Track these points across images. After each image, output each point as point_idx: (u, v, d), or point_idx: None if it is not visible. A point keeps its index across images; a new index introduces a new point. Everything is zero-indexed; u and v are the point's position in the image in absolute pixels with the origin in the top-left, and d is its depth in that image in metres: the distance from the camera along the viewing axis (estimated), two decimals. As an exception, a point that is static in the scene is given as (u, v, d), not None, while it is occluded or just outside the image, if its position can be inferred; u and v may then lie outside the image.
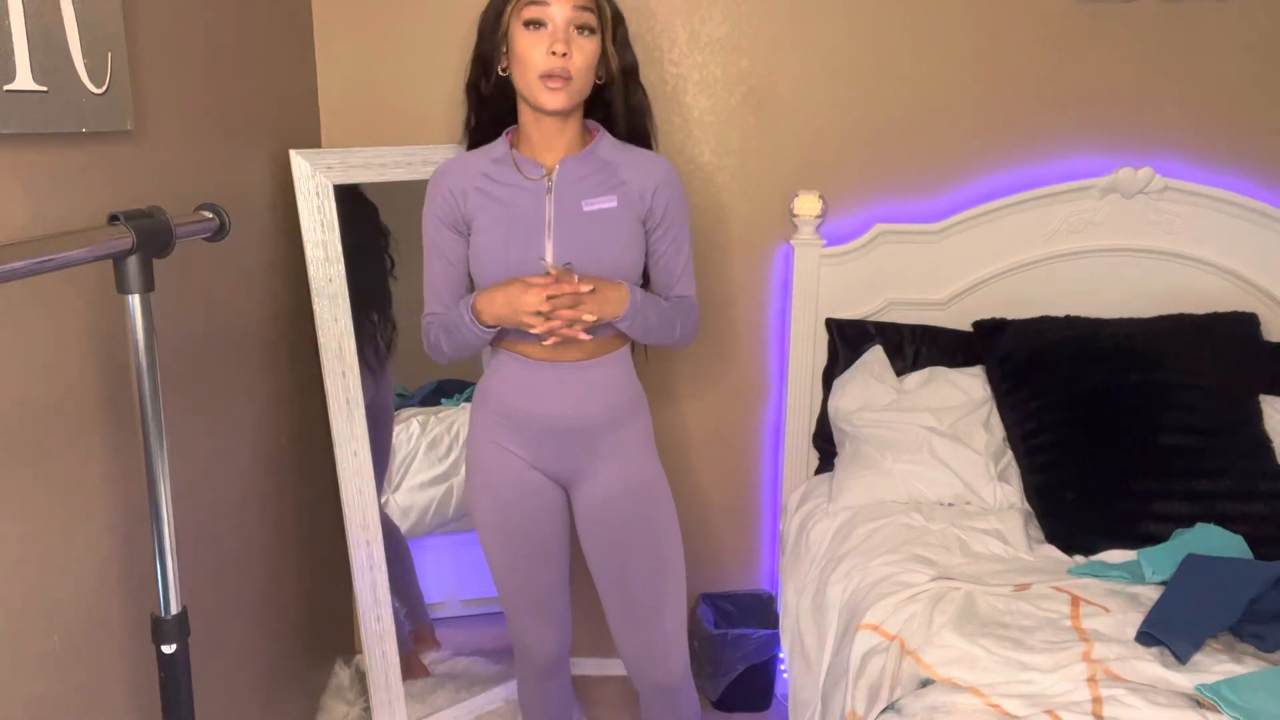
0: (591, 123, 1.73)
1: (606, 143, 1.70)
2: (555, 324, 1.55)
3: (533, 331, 1.57)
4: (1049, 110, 2.27)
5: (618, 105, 1.73)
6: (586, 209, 1.64)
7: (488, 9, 1.67)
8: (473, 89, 1.75)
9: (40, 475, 1.18)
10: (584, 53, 1.59)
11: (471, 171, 1.69)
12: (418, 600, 2.42)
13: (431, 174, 1.74)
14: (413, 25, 2.24)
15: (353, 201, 2.11)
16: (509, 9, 1.60)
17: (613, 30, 1.65)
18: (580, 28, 1.58)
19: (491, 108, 1.75)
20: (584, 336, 1.58)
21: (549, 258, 1.62)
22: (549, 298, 1.53)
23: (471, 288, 1.75)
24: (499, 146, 1.71)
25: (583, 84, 1.61)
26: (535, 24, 1.58)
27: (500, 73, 1.67)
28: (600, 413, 1.70)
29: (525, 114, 1.67)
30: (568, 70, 1.57)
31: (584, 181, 1.66)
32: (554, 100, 1.58)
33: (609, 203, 1.65)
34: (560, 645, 1.87)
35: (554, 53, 1.55)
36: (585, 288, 1.55)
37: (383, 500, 2.20)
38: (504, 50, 1.64)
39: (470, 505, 1.80)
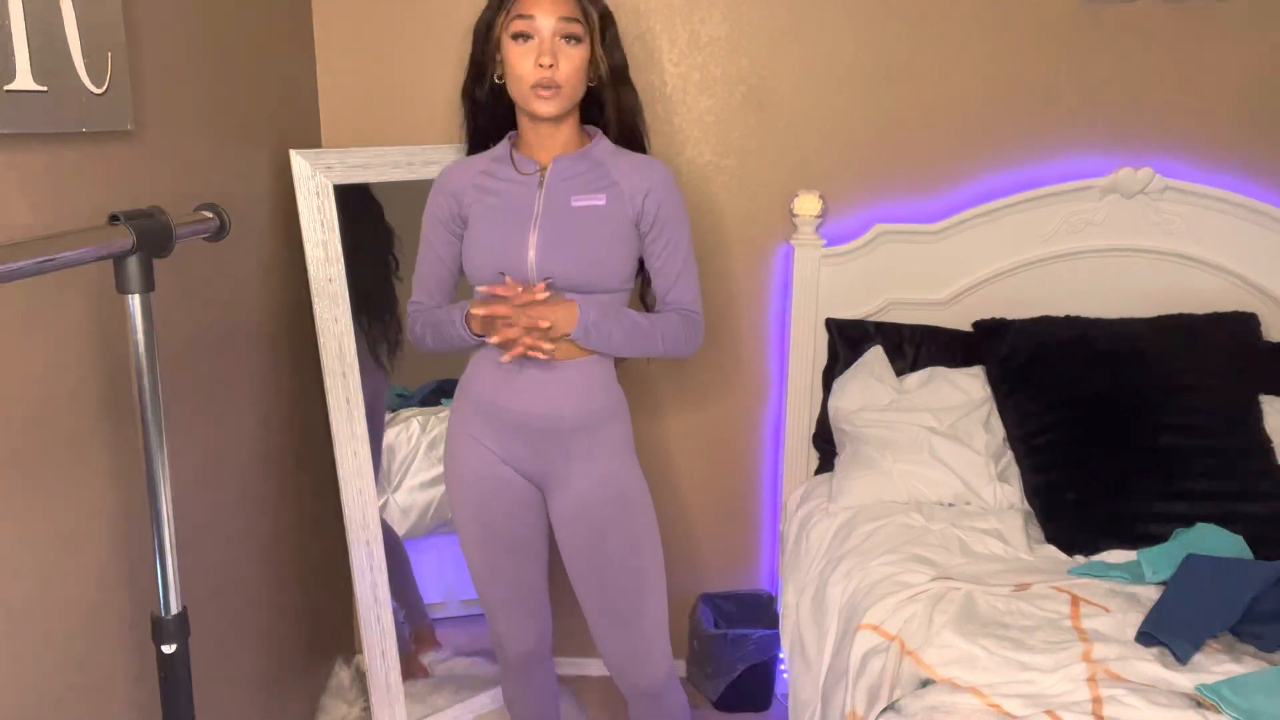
0: (590, 127, 1.76)
1: (603, 145, 1.73)
2: (510, 333, 1.59)
3: (490, 341, 1.62)
4: (1049, 110, 2.27)
5: (609, 106, 1.75)
6: (575, 204, 1.67)
7: (480, 20, 1.71)
8: (468, 96, 1.79)
9: (41, 475, 1.18)
10: (571, 61, 1.62)
11: (472, 171, 1.74)
12: (416, 602, 2.41)
13: (438, 172, 1.78)
14: (413, 25, 2.24)
15: (359, 200, 2.11)
16: (499, 22, 1.65)
17: (601, 33, 1.68)
18: (566, 37, 1.61)
19: (487, 114, 1.78)
20: (542, 354, 1.60)
21: (531, 253, 1.65)
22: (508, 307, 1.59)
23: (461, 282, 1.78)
24: (500, 147, 1.75)
25: (573, 90, 1.64)
26: (523, 36, 1.61)
27: (496, 80, 1.71)
28: (574, 413, 1.70)
29: (522, 118, 1.71)
30: (555, 80, 1.60)
31: (576, 179, 1.69)
32: (545, 108, 1.62)
33: (597, 200, 1.68)
34: (538, 640, 1.87)
35: (541, 65, 1.59)
36: (540, 296, 1.59)
37: (380, 501, 2.20)
38: (497, 59, 1.68)
39: (447, 498, 1.81)
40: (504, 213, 1.68)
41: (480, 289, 1.62)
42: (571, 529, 1.75)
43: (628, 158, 1.73)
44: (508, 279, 1.62)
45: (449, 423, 1.80)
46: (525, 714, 1.98)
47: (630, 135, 1.79)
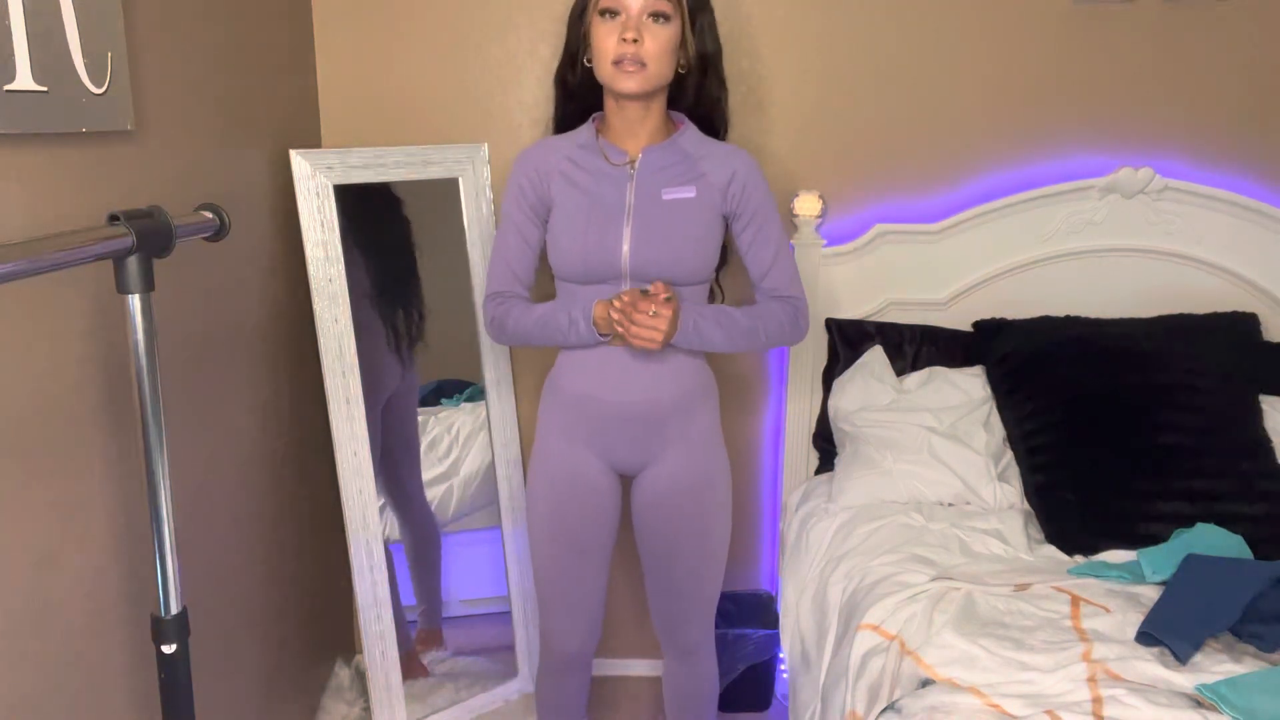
0: (676, 115, 1.77)
1: (690, 134, 1.74)
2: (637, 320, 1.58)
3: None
4: (1049, 110, 2.27)
5: (688, 92, 1.76)
6: (666, 198, 1.68)
7: (574, 5, 1.73)
8: (560, 82, 1.81)
9: (41, 475, 1.18)
10: (657, 39, 1.62)
11: (556, 155, 1.73)
12: (437, 601, 2.41)
13: (516, 156, 1.78)
14: (413, 25, 2.24)
15: (377, 196, 2.13)
16: (591, 3, 1.66)
17: (692, 17, 1.68)
18: (654, 15, 1.62)
19: (576, 101, 1.80)
20: (653, 345, 1.60)
21: (625, 246, 1.66)
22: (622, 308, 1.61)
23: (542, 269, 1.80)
24: (584, 132, 1.75)
25: (658, 70, 1.64)
26: (610, 13, 1.63)
27: (585, 64, 1.72)
28: (670, 398, 1.72)
29: (609, 102, 1.72)
30: (639, 56, 1.61)
31: (666, 171, 1.70)
32: (628, 82, 1.62)
33: (688, 193, 1.69)
34: (585, 642, 1.88)
35: (625, 39, 1.60)
36: (661, 299, 1.58)
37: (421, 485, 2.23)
38: (588, 43, 1.69)
39: (527, 490, 1.84)
40: (594, 205, 1.68)
41: (617, 301, 1.61)
42: (656, 510, 1.78)
43: (714, 147, 1.75)
44: (652, 287, 1.62)
45: (539, 421, 1.82)
46: (555, 714, 1.98)
47: (705, 124, 1.80)
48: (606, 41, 1.62)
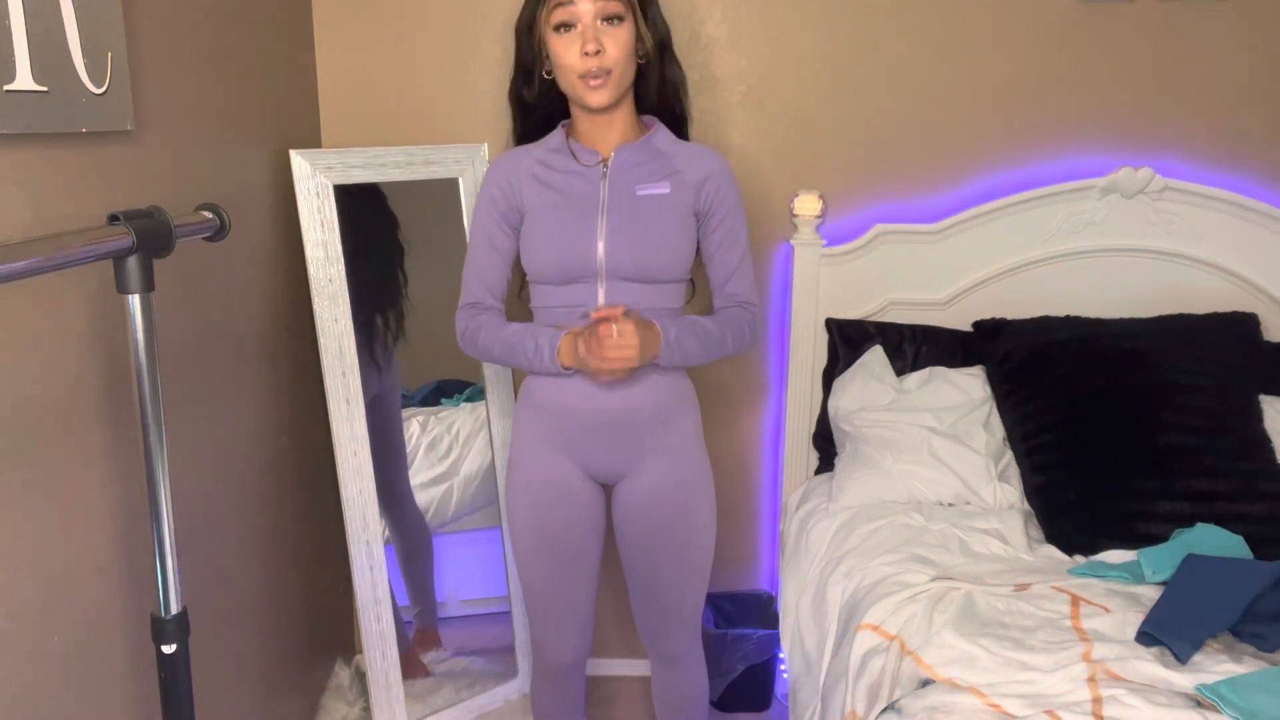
0: (648, 117, 1.76)
1: (662, 135, 1.73)
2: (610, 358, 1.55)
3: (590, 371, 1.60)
4: (1049, 110, 2.27)
5: (651, 81, 1.74)
6: (640, 193, 1.66)
7: (520, 17, 1.69)
8: (515, 98, 1.78)
9: (40, 475, 1.18)
10: (617, 42, 1.60)
11: (527, 161, 1.72)
12: (431, 601, 2.41)
13: (489, 164, 1.76)
14: (413, 25, 2.24)
15: (363, 194, 2.12)
16: (540, 16, 1.63)
17: (642, 8, 1.66)
18: (608, 19, 1.59)
19: (537, 114, 1.77)
20: (617, 376, 1.59)
21: (600, 243, 1.64)
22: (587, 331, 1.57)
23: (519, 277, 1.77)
24: (555, 137, 1.73)
25: (623, 73, 1.63)
26: (565, 26, 1.60)
27: (545, 76, 1.70)
28: (648, 406, 1.70)
29: (575, 108, 1.70)
30: (604, 67, 1.59)
31: (639, 169, 1.68)
32: (597, 97, 1.61)
33: (662, 188, 1.67)
34: (578, 652, 1.87)
35: (587, 52, 1.57)
36: (617, 312, 1.55)
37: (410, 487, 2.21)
38: (544, 56, 1.67)
39: (507, 503, 1.81)
40: (568, 204, 1.66)
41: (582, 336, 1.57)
42: (636, 521, 1.76)
43: (687, 147, 1.73)
44: (591, 313, 1.58)
45: (514, 429, 1.79)
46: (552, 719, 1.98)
47: (670, 110, 1.78)
48: (567, 56, 1.60)
